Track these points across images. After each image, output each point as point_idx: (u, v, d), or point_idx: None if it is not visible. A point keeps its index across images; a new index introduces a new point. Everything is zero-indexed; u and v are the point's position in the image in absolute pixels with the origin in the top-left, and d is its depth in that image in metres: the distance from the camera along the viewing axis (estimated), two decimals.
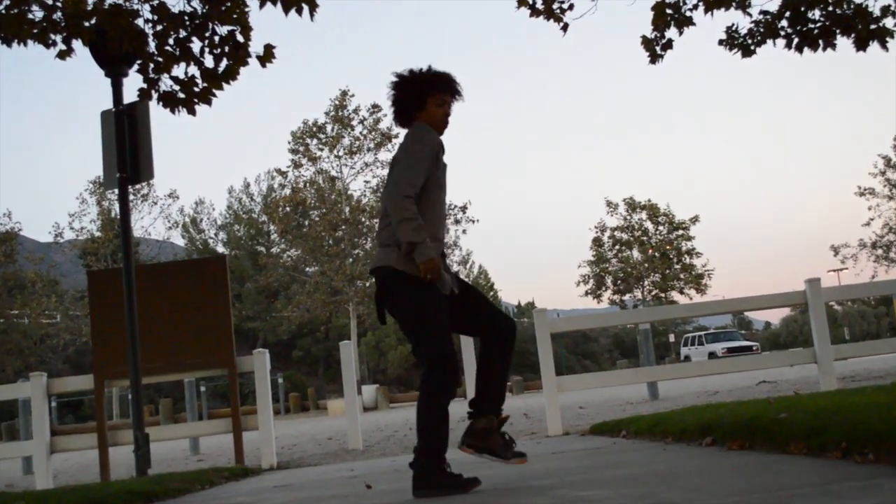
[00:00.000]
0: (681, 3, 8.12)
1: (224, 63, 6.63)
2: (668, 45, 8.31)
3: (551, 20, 8.09)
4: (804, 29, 7.91)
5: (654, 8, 8.16)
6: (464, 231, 41.92)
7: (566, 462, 5.30)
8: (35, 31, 6.24)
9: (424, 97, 4.45)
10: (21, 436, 14.02)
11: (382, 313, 4.44)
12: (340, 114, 41.00)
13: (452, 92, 4.51)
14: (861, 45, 7.78)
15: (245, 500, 5.23)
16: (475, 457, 4.37)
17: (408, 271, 4.24)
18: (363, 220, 40.68)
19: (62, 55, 6.40)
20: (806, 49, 7.92)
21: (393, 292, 4.32)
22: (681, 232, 55.60)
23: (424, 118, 4.46)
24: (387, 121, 40.85)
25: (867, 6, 7.74)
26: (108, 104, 7.99)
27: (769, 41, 8.07)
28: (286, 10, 6.27)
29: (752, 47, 8.18)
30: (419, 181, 4.25)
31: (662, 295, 55.01)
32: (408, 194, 4.19)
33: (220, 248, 60.43)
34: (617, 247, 56.29)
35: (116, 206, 39.55)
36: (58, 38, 6.36)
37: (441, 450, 4.15)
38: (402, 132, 4.58)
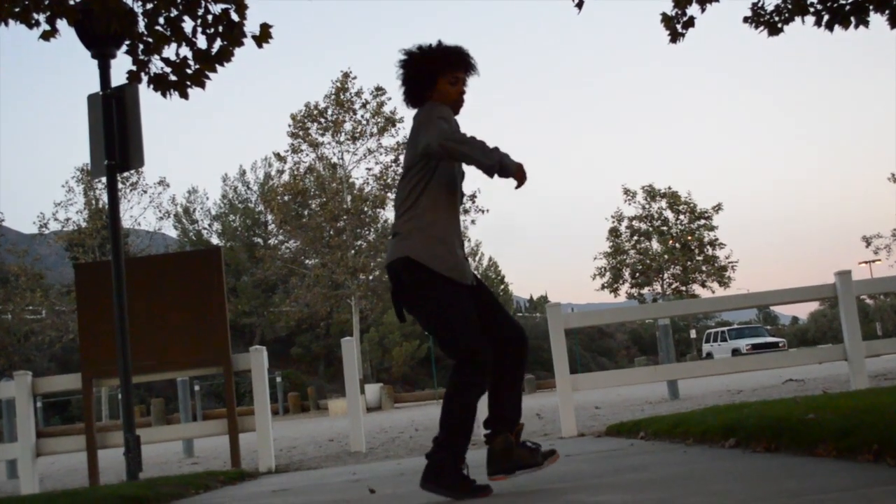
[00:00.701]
0: None
1: (218, 43, 6.63)
2: (690, 22, 8.28)
3: None
4: (835, 5, 7.86)
5: None
6: (472, 221, 41.85)
7: (581, 465, 5.31)
8: (17, 10, 6.24)
9: (435, 76, 4.36)
10: (5, 438, 14.07)
11: (401, 310, 4.37)
12: (342, 97, 40.94)
13: (466, 67, 4.41)
14: None
15: None
16: (512, 478, 4.33)
17: (424, 261, 4.19)
18: (366, 209, 40.64)
19: (46, 36, 6.41)
20: (837, 27, 7.88)
21: (409, 286, 4.25)
22: (703, 221, 55.47)
23: (437, 99, 4.36)
24: (391, 105, 40.83)
25: None
26: (96, 87, 8.00)
27: (797, 18, 8.02)
28: None
29: (780, 25, 8.14)
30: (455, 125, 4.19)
31: (683, 288, 54.93)
32: (455, 129, 4.11)
33: (215, 240, 60.56)
34: (635, 237, 56.19)
35: (104, 195, 39.51)
36: (41, 18, 6.37)
37: (462, 447, 4.13)
38: (409, 115, 4.51)
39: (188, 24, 6.59)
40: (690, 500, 3.26)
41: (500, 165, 4.02)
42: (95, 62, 7.90)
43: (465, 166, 4.40)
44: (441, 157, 4.17)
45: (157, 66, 6.73)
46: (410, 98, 4.47)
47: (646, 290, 55.99)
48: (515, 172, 4.06)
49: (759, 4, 8.15)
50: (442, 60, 4.37)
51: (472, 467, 4.26)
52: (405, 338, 53.61)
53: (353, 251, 40.54)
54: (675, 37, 8.35)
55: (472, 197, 40.41)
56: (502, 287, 67.51)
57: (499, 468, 4.30)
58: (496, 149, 4.05)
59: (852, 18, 7.83)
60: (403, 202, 4.32)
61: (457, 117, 4.44)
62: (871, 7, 7.77)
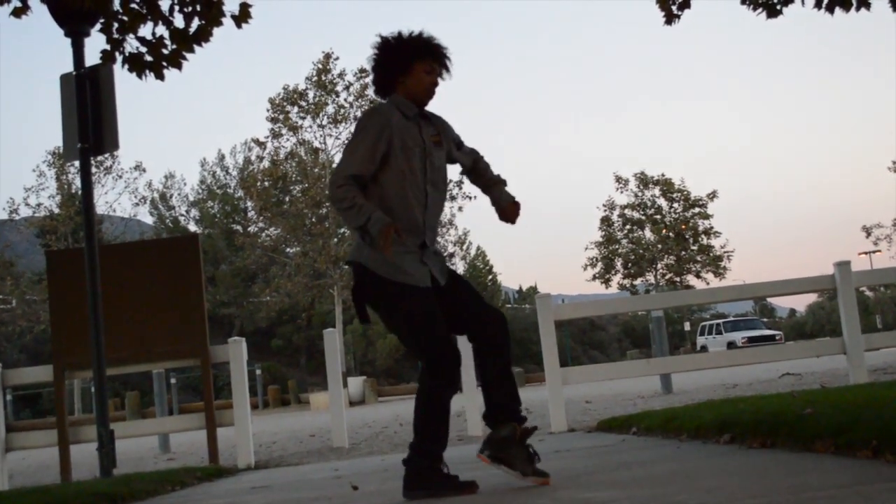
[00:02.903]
0: None
1: (195, 23, 6.59)
2: (686, 3, 8.28)
3: None
4: None
5: None
6: (460, 208, 41.89)
7: (571, 461, 5.32)
8: None
9: (412, 61, 4.35)
10: None
11: (363, 310, 4.34)
12: (323, 79, 40.80)
13: (442, 63, 4.42)
14: None
15: (219, 503, 5.24)
16: (492, 468, 4.29)
17: (382, 273, 4.21)
18: None
19: (17, 13, 6.37)
20: (837, 9, 7.89)
21: (370, 291, 4.28)
22: (697, 210, 55.62)
23: (409, 84, 4.37)
24: None
25: None
26: (69, 67, 7.95)
27: (797, 0, 8.03)
28: None
29: (778, 7, 8.14)
30: (357, 161, 4.20)
31: (677, 279, 55.09)
32: (339, 184, 4.16)
33: (192, 227, 60.44)
34: (627, 226, 56.31)
35: (77, 180, 39.26)
36: None
37: (437, 449, 4.15)
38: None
39: (165, 2, 6.56)
40: (683, 497, 3.28)
41: (364, 230, 4.10)
42: (68, 41, 7.85)
43: (442, 157, 4.46)
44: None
45: (132, 45, 6.71)
46: (380, 83, 4.48)
47: (638, 281, 56.14)
48: (378, 234, 4.03)
49: None
50: (423, 47, 4.38)
51: (454, 464, 4.26)
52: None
53: (335, 239, 40.50)
54: (670, 18, 8.34)
55: (460, 183, 40.41)
56: (490, 277, 67.50)
57: (491, 453, 4.26)
58: (369, 215, 4.06)
59: (853, 1, 7.84)
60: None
61: (430, 106, 4.49)
62: None
